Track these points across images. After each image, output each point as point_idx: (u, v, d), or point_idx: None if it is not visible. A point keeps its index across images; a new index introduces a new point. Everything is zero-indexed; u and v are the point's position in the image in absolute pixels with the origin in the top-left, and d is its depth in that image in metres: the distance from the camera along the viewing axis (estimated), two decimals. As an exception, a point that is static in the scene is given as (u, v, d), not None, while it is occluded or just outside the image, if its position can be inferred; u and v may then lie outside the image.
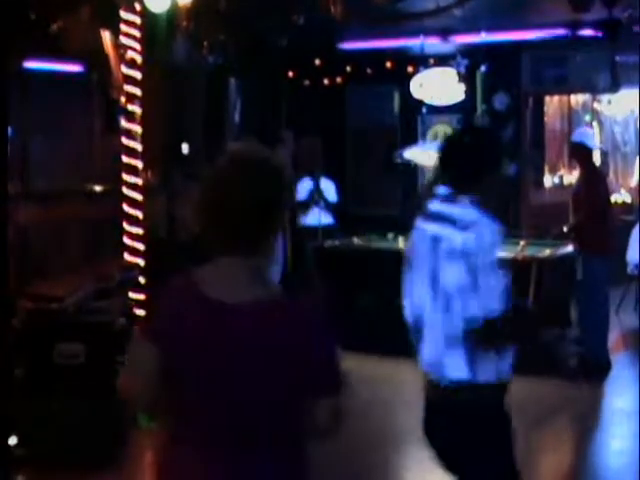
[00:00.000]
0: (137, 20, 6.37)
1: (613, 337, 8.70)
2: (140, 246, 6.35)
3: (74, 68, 9.60)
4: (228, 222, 2.21)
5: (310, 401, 2.22)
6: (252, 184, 2.21)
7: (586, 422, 6.49)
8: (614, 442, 6.16)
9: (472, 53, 10.65)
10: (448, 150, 3.32)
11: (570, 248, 7.91)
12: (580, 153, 7.83)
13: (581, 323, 7.67)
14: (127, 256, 6.36)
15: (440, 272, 3.05)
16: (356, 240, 9.18)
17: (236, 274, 2.25)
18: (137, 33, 6.37)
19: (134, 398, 2.37)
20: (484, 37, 10.06)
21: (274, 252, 2.35)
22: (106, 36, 7.25)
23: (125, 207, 6.35)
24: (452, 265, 3.01)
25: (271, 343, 2.18)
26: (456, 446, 3.11)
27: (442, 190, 3.19)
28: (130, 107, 6.38)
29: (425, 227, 3.19)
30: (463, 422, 3.05)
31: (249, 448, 2.19)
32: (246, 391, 2.19)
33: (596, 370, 7.38)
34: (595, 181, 7.81)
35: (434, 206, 3.20)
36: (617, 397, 7.01)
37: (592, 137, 8.27)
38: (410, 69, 11.02)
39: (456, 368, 3.02)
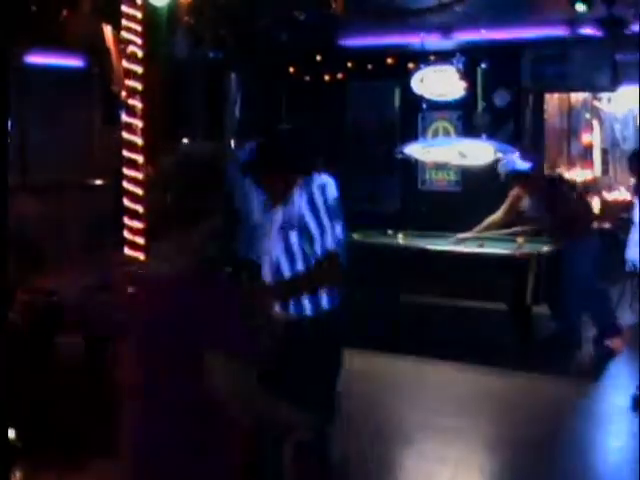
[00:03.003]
0: (138, 14, 6.36)
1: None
2: (140, 240, 6.34)
3: (75, 62, 9.61)
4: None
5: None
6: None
7: (584, 419, 6.50)
8: (612, 439, 6.17)
9: (472, 50, 10.66)
10: None
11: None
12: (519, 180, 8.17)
13: (566, 299, 7.94)
14: (127, 250, 6.36)
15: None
16: (355, 236, 9.17)
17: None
18: (138, 27, 6.36)
19: None
20: (484, 34, 10.06)
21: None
22: (107, 30, 7.25)
23: (125, 201, 6.34)
24: None
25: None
26: None
27: None
28: (131, 101, 6.37)
29: None
30: None
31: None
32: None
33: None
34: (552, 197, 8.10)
35: None
36: (616, 394, 7.02)
37: (514, 162, 8.38)
38: (411, 65, 11.04)
39: None
